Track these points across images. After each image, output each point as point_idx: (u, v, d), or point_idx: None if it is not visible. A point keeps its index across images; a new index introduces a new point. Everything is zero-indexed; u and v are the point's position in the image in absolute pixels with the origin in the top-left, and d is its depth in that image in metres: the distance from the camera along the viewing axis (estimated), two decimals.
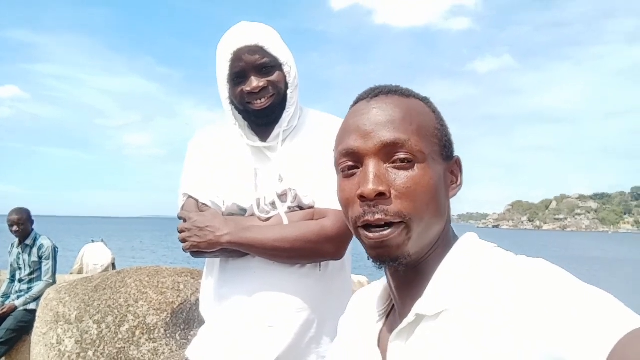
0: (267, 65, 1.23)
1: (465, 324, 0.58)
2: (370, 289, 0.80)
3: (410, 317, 0.64)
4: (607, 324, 0.49)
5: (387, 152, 0.64)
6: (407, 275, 0.68)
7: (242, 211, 1.27)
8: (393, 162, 0.64)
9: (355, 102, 0.71)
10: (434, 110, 0.70)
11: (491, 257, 0.63)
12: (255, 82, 1.22)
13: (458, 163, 0.71)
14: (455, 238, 0.70)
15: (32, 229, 4.21)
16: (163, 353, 2.57)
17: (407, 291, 0.68)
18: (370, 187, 0.62)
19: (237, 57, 1.22)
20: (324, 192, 1.22)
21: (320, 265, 1.24)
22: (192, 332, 2.63)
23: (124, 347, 2.56)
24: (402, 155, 0.64)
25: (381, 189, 0.62)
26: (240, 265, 1.25)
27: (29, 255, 4.10)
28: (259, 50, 1.22)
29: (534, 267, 0.58)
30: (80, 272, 8.80)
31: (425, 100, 0.71)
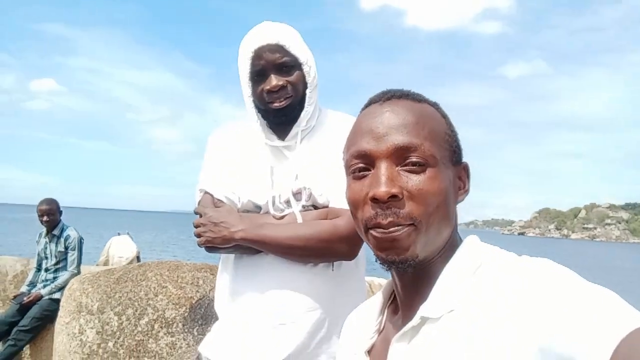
0: (287, 64, 1.24)
1: (469, 322, 0.58)
2: (363, 309, 0.81)
3: (415, 320, 0.64)
4: (612, 321, 0.49)
5: (400, 155, 0.65)
6: (414, 277, 0.68)
7: (257, 208, 1.28)
8: (405, 166, 0.65)
9: (367, 105, 0.72)
10: (445, 116, 0.71)
11: (494, 258, 0.64)
12: (274, 81, 1.23)
13: (466, 169, 0.72)
14: (460, 242, 0.70)
15: (60, 220, 4.32)
16: (180, 347, 2.60)
17: (412, 293, 0.69)
18: (384, 189, 0.62)
19: (258, 55, 1.23)
20: (339, 192, 1.22)
21: (333, 265, 1.24)
22: (209, 328, 2.65)
23: (143, 340, 2.60)
24: (414, 159, 0.64)
25: (394, 191, 0.62)
26: (253, 262, 1.26)
27: (56, 245, 4.21)
28: (279, 49, 1.23)
29: (538, 265, 0.58)
30: (106, 264, 9.00)
31: (435, 106, 0.71)
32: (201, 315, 2.68)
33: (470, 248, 0.67)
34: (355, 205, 0.68)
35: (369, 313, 0.78)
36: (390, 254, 0.64)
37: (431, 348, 0.61)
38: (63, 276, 4.13)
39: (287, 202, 1.25)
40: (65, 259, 4.20)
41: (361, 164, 0.67)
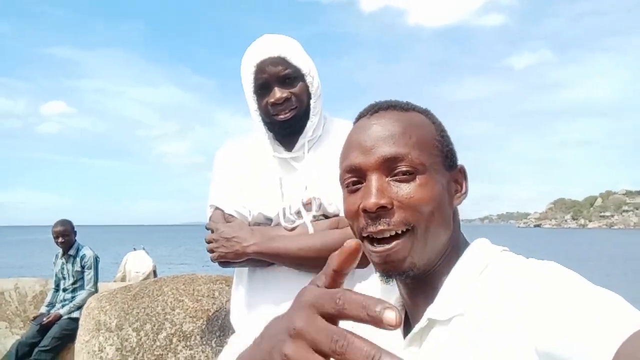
0: (290, 76, 1.25)
1: (476, 325, 0.58)
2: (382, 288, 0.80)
3: (422, 322, 0.64)
4: (614, 324, 0.49)
5: (388, 166, 0.66)
6: (417, 284, 0.69)
7: (268, 220, 1.28)
8: (395, 176, 0.66)
9: (357, 119, 0.74)
10: (435, 122, 0.72)
11: (501, 261, 0.64)
12: (278, 94, 1.24)
13: (462, 171, 0.72)
14: (466, 244, 0.70)
15: (76, 240, 4.37)
16: None
17: (418, 298, 0.69)
18: (373, 200, 0.64)
19: (260, 69, 1.24)
20: None
21: None
22: (227, 339, 2.65)
23: (162, 355, 2.61)
24: (403, 168, 0.65)
25: (382, 202, 0.64)
26: (267, 275, 1.26)
27: (72, 265, 4.26)
28: (281, 61, 1.23)
29: (545, 268, 0.59)
30: (123, 279, 9.06)
31: (425, 113, 0.72)
32: (218, 327, 2.69)
33: (477, 251, 0.68)
34: (351, 217, 0.69)
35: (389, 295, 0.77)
36: (388, 267, 0.66)
37: (441, 351, 0.61)
38: (81, 295, 4.18)
39: (298, 213, 1.26)
40: (82, 278, 4.24)
41: (353, 177, 0.69)
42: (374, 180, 0.66)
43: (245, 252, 1.21)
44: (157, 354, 2.60)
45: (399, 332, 0.73)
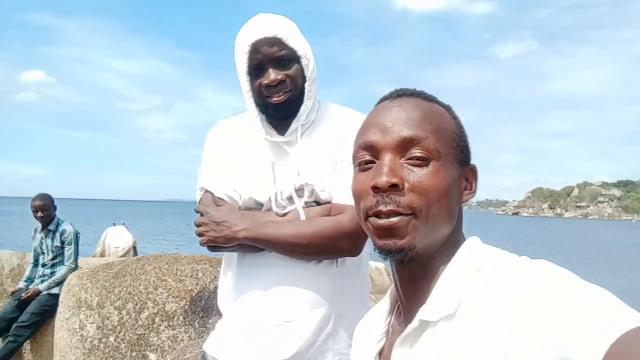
0: (285, 57, 1.21)
1: (469, 327, 0.59)
2: (371, 315, 0.82)
3: (414, 323, 0.64)
4: (607, 321, 0.50)
5: (404, 147, 0.66)
6: (413, 274, 0.69)
7: (259, 205, 1.26)
8: (409, 159, 0.66)
9: (379, 102, 0.73)
10: (455, 118, 0.72)
11: (494, 260, 0.64)
12: (273, 75, 1.21)
13: (474, 171, 0.73)
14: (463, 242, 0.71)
15: (55, 215, 4.28)
16: (182, 340, 2.60)
17: (412, 294, 0.69)
18: (385, 178, 0.64)
19: (255, 49, 1.20)
20: (342, 187, 1.20)
21: (337, 261, 1.23)
22: (210, 320, 2.65)
23: (144, 334, 2.60)
24: (418, 153, 0.66)
25: (394, 180, 0.64)
26: (257, 261, 1.25)
27: (52, 240, 4.19)
28: (277, 42, 1.20)
29: (537, 267, 0.59)
30: (102, 254, 9.00)
31: (447, 108, 0.72)
32: (202, 308, 2.68)
33: (470, 250, 0.68)
34: (358, 195, 0.70)
35: (376, 317, 0.78)
36: (389, 241, 0.65)
37: (432, 353, 0.61)
38: (60, 271, 4.12)
39: (290, 199, 1.24)
40: (62, 253, 4.18)
41: (367, 156, 0.69)
42: (387, 159, 0.66)
43: (235, 237, 1.19)
44: (139, 333, 2.58)
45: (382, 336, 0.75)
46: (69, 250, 4.17)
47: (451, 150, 0.68)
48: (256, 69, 1.22)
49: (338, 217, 1.19)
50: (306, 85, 1.25)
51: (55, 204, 4.31)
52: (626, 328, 0.49)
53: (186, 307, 2.67)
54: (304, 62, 1.24)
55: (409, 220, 0.64)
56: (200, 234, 1.23)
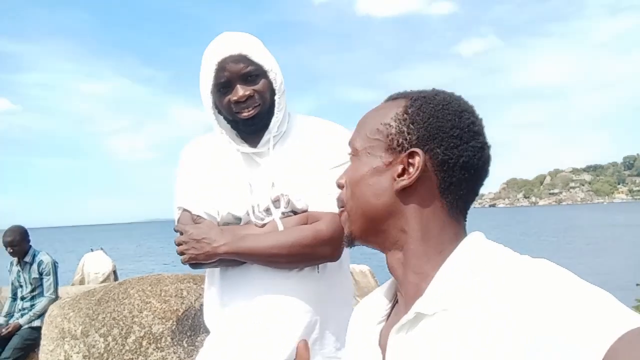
0: (252, 73, 1.24)
1: (464, 320, 0.60)
2: (373, 296, 0.83)
3: (410, 315, 0.66)
4: (607, 322, 0.50)
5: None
6: (388, 262, 0.74)
7: (238, 220, 1.28)
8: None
9: None
10: (406, 107, 0.72)
11: (494, 257, 0.65)
12: (241, 91, 1.23)
13: (412, 155, 0.70)
14: (460, 237, 0.71)
15: (30, 246, 4.19)
16: None
17: (408, 291, 0.71)
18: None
19: (222, 67, 1.23)
20: (317, 196, 1.23)
21: (318, 268, 1.25)
22: (198, 338, 2.64)
23: (132, 359, 2.57)
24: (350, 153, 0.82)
25: (341, 181, 0.78)
26: (239, 273, 1.27)
27: (29, 272, 4.09)
28: (242, 59, 1.23)
29: (537, 266, 0.60)
30: (81, 282, 8.79)
31: (404, 96, 0.75)
32: (189, 327, 2.67)
33: (471, 245, 0.68)
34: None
35: (379, 299, 0.80)
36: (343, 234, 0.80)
37: (427, 344, 0.63)
38: (41, 303, 4.03)
39: (267, 210, 1.26)
40: (41, 285, 4.09)
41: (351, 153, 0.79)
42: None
43: (216, 253, 1.21)
44: (127, 359, 2.55)
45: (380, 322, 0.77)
46: (47, 281, 4.08)
47: (374, 143, 0.72)
48: (224, 86, 1.24)
49: (315, 224, 1.22)
50: (276, 98, 1.28)
51: (28, 235, 4.21)
52: (626, 329, 0.49)
53: (173, 327, 2.65)
54: (271, 75, 1.26)
55: (343, 212, 0.76)
56: (181, 253, 1.24)
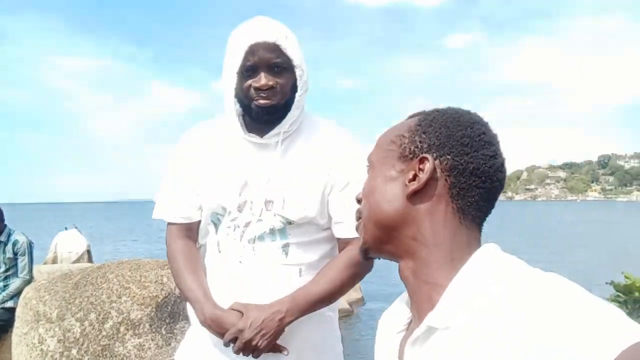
0: (280, 65, 1.22)
1: (478, 336, 0.60)
2: (395, 304, 0.83)
3: (422, 328, 0.66)
4: (613, 335, 0.51)
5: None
6: (401, 273, 0.74)
7: (223, 211, 1.27)
8: None
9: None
10: (420, 118, 0.76)
11: (507, 270, 0.65)
12: (264, 80, 1.20)
13: (422, 161, 0.72)
14: (473, 247, 0.71)
15: (5, 225, 4.09)
16: (149, 348, 2.56)
17: (420, 302, 0.71)
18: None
19: (252, 51, 1.20)
20: (342, 220, 1.28)
21: (300, 271, 1.26)
22: (177, 326, 2.63)
23: (109, 344, 2.54)
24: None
25: (359, 197, 0.80)
26: (221, 261, 1.27)
27: (4, 252, 3.99)
28: (275, 48, 1.21)
29: (547, 281, 0.61)
30: (54, 261, 8.63)
31: (423, 115, 0.77)
32: (168, 314, 2.65)
33: (483, 258, 0.69)
34: None
35: (401, 307, 0.80)
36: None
37: (440, 357, 0.63)
38: (14, 283, 3.94)
39: (259, 209, 1.25)
40: (16, 265, 4.00)
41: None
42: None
43: (284, 324, 1.19)
44: (104, 344, 2.52)
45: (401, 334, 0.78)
46: (22, 262, 3.99)
47: (388, 154, 0.75)
48: (248, 70, 1.22)
49: (350, 252, 1.24)
50: (297, 95, 1.26)
51: (3, 214, 4.11)
52: (631, 342, 0.50)
53: (152, 314, 2.62)
54: (298, 72, 1.25)
55: (359, 223, 0.77)
56: (252, 349, 1.18)
